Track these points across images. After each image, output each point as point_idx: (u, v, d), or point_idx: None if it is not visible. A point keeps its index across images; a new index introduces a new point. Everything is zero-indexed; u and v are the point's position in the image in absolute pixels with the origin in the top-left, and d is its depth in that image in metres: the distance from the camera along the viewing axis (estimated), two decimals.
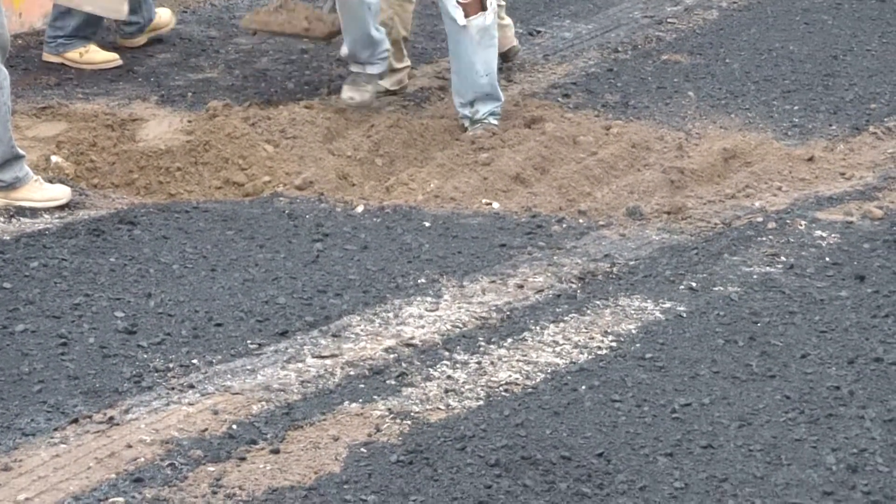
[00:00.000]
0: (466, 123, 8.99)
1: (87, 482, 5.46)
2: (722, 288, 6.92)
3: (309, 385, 6.10)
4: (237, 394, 6.03)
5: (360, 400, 5.97)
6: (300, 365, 6.25)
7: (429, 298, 6.85)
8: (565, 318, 6.66)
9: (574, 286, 6.97)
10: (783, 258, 7.21)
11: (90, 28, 9.84)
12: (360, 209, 7.90)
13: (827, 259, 7.19)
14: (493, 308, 6.76)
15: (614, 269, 7.14)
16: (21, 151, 7.87)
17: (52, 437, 5.76)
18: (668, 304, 6.78)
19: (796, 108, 9.11)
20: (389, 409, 5.89)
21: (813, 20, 10.46)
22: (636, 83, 9.59)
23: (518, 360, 6.29)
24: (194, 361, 6.31)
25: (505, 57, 9.66)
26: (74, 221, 7.71)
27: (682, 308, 6.74)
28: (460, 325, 6.60)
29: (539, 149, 8.61)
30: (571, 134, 8.80)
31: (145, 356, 6.36)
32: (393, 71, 9.49)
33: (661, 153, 8.55)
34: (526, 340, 6.47)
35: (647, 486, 5.42)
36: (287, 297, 6.86)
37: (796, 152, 8.52)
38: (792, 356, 6.32)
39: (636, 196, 8.02)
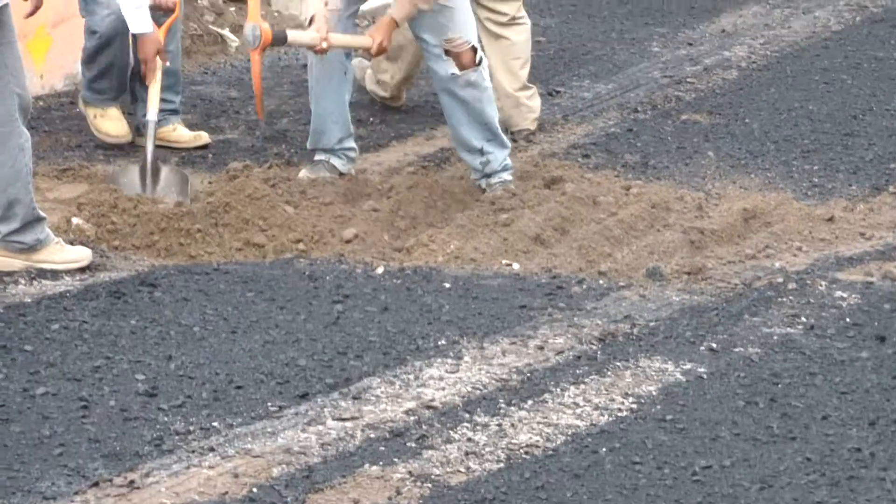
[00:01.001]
0: (479, 180, 9.01)
1: None
2: (742, 349, 6.91)
3: (329, 448, 6.09)
4: (257, 457, 6.03)
5: (381, 463, 5.95)
6: (320, 427, 6.24)
7: (449, 360, 6.84)
8: (585, 380, 6.64)
9: (594, 347, 6.96)
10: (803, 319, 7.20)
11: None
12: (380, 270, 7.90)
13: (847, 320, 7.18)
14: (514, 370, 6.74)
15: (634, 331, 7.13)
16: (42, 214, 7.88)
17: (72, 501, 5.75)
18: (688, 366, 6.77)
19: (816, 167, 9.12)
20: (410, 472, 5.87)
21: (832, 80, 10.48)
22: (656, 143, 9.62)
23: (538, 423, 6.28)
24: (215, 424, 6.30)
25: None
26: (95, 283, 7.72)
27: (702, 369, 6.73)
28: (480, 387, 6.58)
29: (559, 209, 8.62)
30: (591, 194, 8.81)
31: (166, 419, 6.36)
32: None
33: (681, 213, 8.56)
34: (546, 402, 6.45)
35: None
36: (307, 359, 6.86)
37: (816, 212, 8.52)
38: (813, 418, 6.31)
39: (656, 257, 8.02)
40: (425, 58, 9.23)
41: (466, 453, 6.03)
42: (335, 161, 8.97)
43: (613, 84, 10.18)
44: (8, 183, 7.71)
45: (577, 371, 6.73)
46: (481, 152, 8.95)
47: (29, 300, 7.54)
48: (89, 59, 9.50)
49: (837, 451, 6.04)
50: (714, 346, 6.94)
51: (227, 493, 5.76)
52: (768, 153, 9.36)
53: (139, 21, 8.85)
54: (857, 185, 8.88)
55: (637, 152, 9.45)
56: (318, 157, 9.07)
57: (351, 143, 9.08)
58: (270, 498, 5.72)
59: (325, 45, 8.71)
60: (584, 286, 7.67)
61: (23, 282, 7.72)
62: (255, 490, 5.79)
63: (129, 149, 9.59)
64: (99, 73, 9.52)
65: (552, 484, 5.81)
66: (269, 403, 6.46)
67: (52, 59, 10.40)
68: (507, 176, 8.98)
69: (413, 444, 6.09)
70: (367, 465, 5.93)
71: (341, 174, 8.97)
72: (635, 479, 5.84)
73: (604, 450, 6.06)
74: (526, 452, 6.05)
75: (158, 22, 9.24)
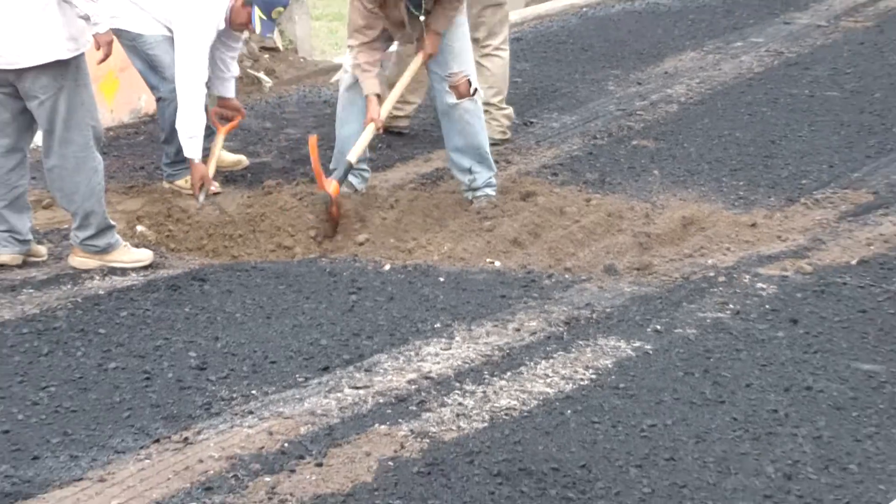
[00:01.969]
0: (466, 193, 8.98)
1: (166, 490, 5.47)
2: (681, 330, 6.91)
3: (346, 411, 6.10)
4: (288, 418, 6.03)
5: (388, 423, 5.96)
6: (339, 394, 6.25)
7: (443, 340, 6.85)
8: (554, 356, 6.64)
9: (561, 329, 6.96)
10: (731, 306, 7.19)
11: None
12: (387, 267, 7.90)
13: (767, 306, 7.18)
14: (496, 347, 6.75)
15: (594, 315, 7.13)
16: (112, 222, 7.90)
17: (138, 454, 5.77)
18: (637, 344, 6.77)
19: (741, 183, 9.11)
20: (411, 430, 5.88)
21: (754, 112, 10.48)
22: (611, 164, 9.59)
23: (516, 390, 6.28)
24: (253, 392, 6.32)
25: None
26: (155, 279, 7.74)
27: (648, 346, 6.73)
28: (469, 362, 6.58)
29: (532, 217, 8.63)
30: (559, 205, 8.82)
31: (213, 388, 6.37)
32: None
33: (632, 221, 8.55)
34: (522, 373, 6.45)
35: (620, 491, 5.42)
36: (328, 339, 6.87)
37: (741, 219, 8.51)
38: (738, 385, 6.32)
39: (611, 256, 8.02)
40: (431, 85, 9.18)
41: (457, 415, 6.04)
42: (352, 179, 8.92)
43: (577, 116, 10.19)
44: (84, 198, 7.73)
45: (547, 348, 6.74)
46: (470, 171, 8.93)
47: (102, 292, 7.56)
48: (169, 135, 9.09)
49: (758, 412, 6.06)
50: (658, 327, 6.95)
51: (263, 447, 5.78)
52: (703, 172, 9.35)
53: (191, 149, 8.78)
54: (775, 197, 8.87)
55: (596, 171, 9.44)
56: (336, 177, 8.92)
57: (365, 165, 9.05)
58: (298, 452, 5.73)
59: (379, 125, 8.70)
60: (553, 279, 7.68)
61: (97, 278, 7.74)
62: (286, 445, 5.80)
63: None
64: (178, 148, 9.03)
65: (527, 439, 5.82)
66: (297, 375, 6.48)
67: (120, 97, 10.40)
68: (490, 191, 8.95)
69: (414, 408, 6.11)
70: (376, 425, 5.94)
71: (356, 190, 8.97)
72: (594, 435, 5.86)
73: (569, 412, 6.07)
74: (506, 414, 6.05)
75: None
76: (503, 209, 8.77)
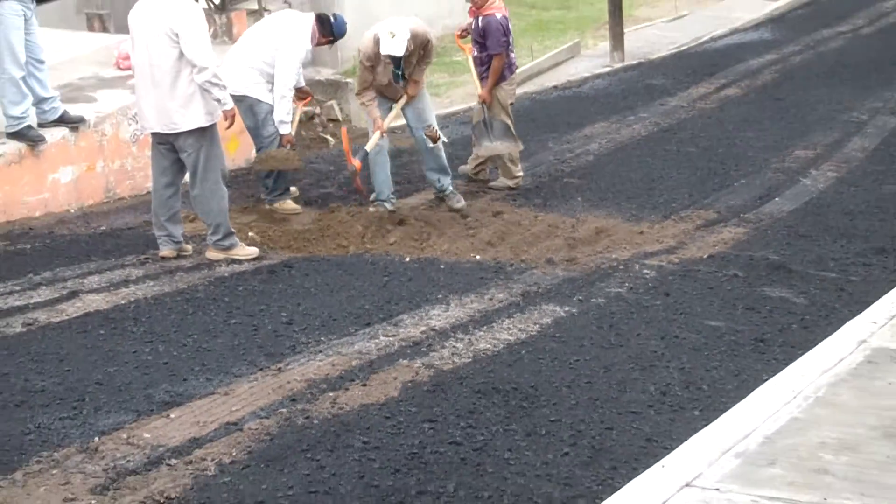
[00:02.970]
0: (437, 193, 9.17)
1: (267, 401, 5.49)
2: (595, 300, 6.93)
3: (381, 351, 6.12)
4: (344, 356, 6.05)
5: (407, 359, 5.99)
6: (377, 341, 6.27)
7: (443, 306, 6.86)
8: (514, 316, 6.66)
9: (518, 299, 6.98)
10: (626, 284, 7.21)
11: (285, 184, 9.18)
12: (408, 259, 7.92)
13: (649, 285, 7.20)
14: (477, 311, 6.76)
15: (539, 290, 7.14)
16: (233, 229, 7.94)
17: (249, 378, 5.80)
18: (567, 308, 6.78)
19: (633, 206, 9.12)
20: (423, 364, 5.91)
21: (642, 161, 10.46)
22: (550, 193, 9.57)
23: (490, 338, 6.29)
24: (322, 339, 6.34)
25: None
26: (260, 266, 7.75)
27: (574, 310, 6.75)
28: (459, 320, 6.60)
29: (500, 227, 8.64)
30: (517, 220, 8.82)
31: (297, 336, 6.39)
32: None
33: (564, 230, 8.55)
34: (493, 327, 6.47)
35: (556, 402, 5.44)
36: (370, 305, 6.88)
37: (634, 229, 8.51)
38: (631, 335, 6.33)
39: (550, 252, 8.03)
40: (410, 132, 9.31)
41: (452, 353, 6.06)
42: (386, 204, 8.96)
43: (528, 163, 10.15)
44: (216, 215, 7.77)
45: (510, 311, 6.76)
46: (439, 180, 9.16)
47: (226, 274, 7.58)
48: (268, 172, 9.01)
49: (644, 352, 6.07)
50: (580, 298, 6.96)
51: (328, 374, 5.80)
52: (609, 199, 9.34)
53: (284, 127, 8.79)
54: (655, 215, 8.87)
55: (540, 198, 9.42)
56: (377, 202, 9.03)
57: (392, 194, 9.08)
58: (350, 376, 5.75)
59: (384, 131, 8.94)
60: (513, 267, 7.68)
61: (223, 265, 7.76)
62: (343, 372, 5.83)
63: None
64: (275, 180, 9.02)
65: (497, 369, 5.84)
66: (349, 328, 6.50)
67: (239, 151, 10.41)
68: (450, 188, 9.18)
69: (424, 349, 6.13)
70: (400, 360, 5.97)
71: (391, 210, 8.94)
72: (539, 367, 5.88)
73: (523, 352, 6.09)
74: (483, 353, 6.08)
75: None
76: (482, 222, 8.78)
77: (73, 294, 7.04)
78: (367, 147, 8.90)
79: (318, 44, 9.14)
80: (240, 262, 7.79)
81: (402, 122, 9.46)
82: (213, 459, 4.92)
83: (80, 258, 7.80)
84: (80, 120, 9.04)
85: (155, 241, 7.88)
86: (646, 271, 7.47)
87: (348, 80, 12.18)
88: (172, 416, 5.36)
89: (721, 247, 8.01)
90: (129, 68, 9.12)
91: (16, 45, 8.37)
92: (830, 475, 3.89)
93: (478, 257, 8.02)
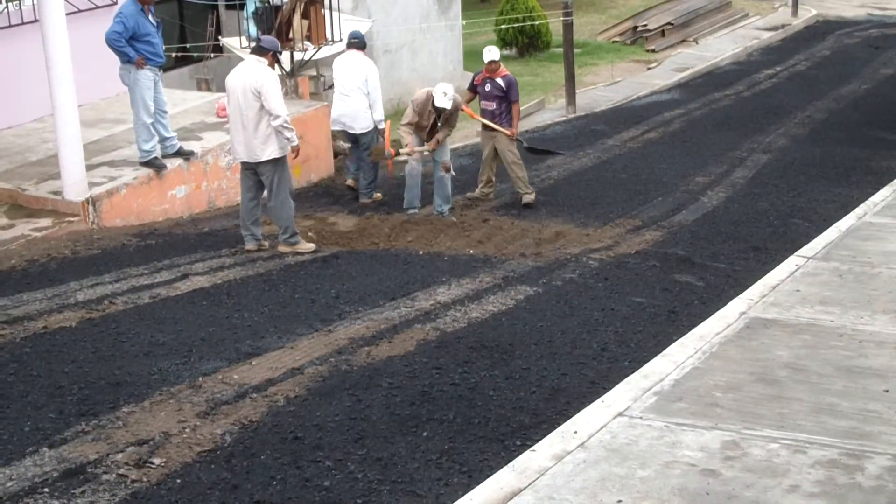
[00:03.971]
0: (437, 214, 8.98)
1: (321, 353, 5.45)
2: (555, 283, 6.88)
3: (402, 318, 6.06)
4: (375, 321, 6.00)
5: (421, 323, 5.94)
6: (399, 310, 6.21)
7: (446, 286, 6.80)
8: (496, 293, 6.61)
9: (500, 281, 6.92)
10: (577, 271, 7.17)
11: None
12: (421, 253, 7.86)
13: (594, 272, 7.16)
14: (470, 289, 6.71)
15: (515, 275, 7.09)
16: (297, 230, 7.87)
17: (308, 336, 5.75)
18: (535, 288, 6.74)
19: (582, 216, 9.07)
20: (432, 327, 5.86)
21: (588, 185, 10.38)
22: (524, 207, 9.54)
23: (480, 310, 6.25)
24: (359, 309, 6.28)
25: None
26: (316, 257, 7.67)
27: (540, 290, 6.70)
28: (458, 296, 6.55)
29: (488, 230, 8.57)
30: (499, 225, 8.75)
31: (342, 307, 6.34)
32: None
33: (533, 233, 8.49)
34: (482, 302, 6.42)
35: (526, 355, 5.41)
36: (394, 285, 6.82)
37: (583, 232, 8.47)
38: (581, 308, 6.28)
39: (523, 248, 7.99)
40: (434, 161, 9.12)
41: (452, 320, 6.02)
42: (413, 211, 8.89)
43: (507, 185, 10.07)
44: (286, 220, 7.71)
45: (494, 290, 6.71)
46: (441, 205, 9.01)
47: (292, 262, 7.51)
48: (366, 174, 9.29)
49: (589, 320, 6.03)
50: (544, 281, 6.92)
51: (363, 334, 5.75)
52: (565, 211, 9.27)
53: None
54: (598, 222, 8.83)
55: (516, 210, 9.33)
56: (409, 211, 8.94)
57: (417, 206, 9.01)
58: (380, 336, 5.71)
59: (412, 151, 8.91)
60: (497, 259, 7.63)
61: (289, 256, 7.68)
62: (375, 332, 5.78)
63: (328, 203, 9.42)
64: (368, 179, 9.28)
65: (484, 332, 5.79)
66: (379, 301, 6.44)
67: (301, 175, 10.30)
68: (447, 213, 9.01)
69: (433, 317, 6.08)
70: (415, 325, 5.92)
71: (411, 214, 8.91)
72: (515, 329, 5.83)
73: (503, 319, 6.05)
74: (475, 320, 6.03)
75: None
76: (474, 226, 8.69)
77: (185, 276, 7.00)
78: (403, 151, 8.93)
79: None
80: (302, 254, 7.71)
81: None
82: (282, 394, 4.89)
83: (189, 250, 7.76)
84: (191, 153, 9.03)
85: (242, 238, 7.80)
86: (591, 262, 7.42)
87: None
88: (254, 363, 5.32)
89: (644, 245, 7.97)
90: (225, 116, 9.08)
91: (147, 100, 8.40)
92: (720, 407, 3.86)
93: (471, 252, 7.96)
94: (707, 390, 4.02)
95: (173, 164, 8.86)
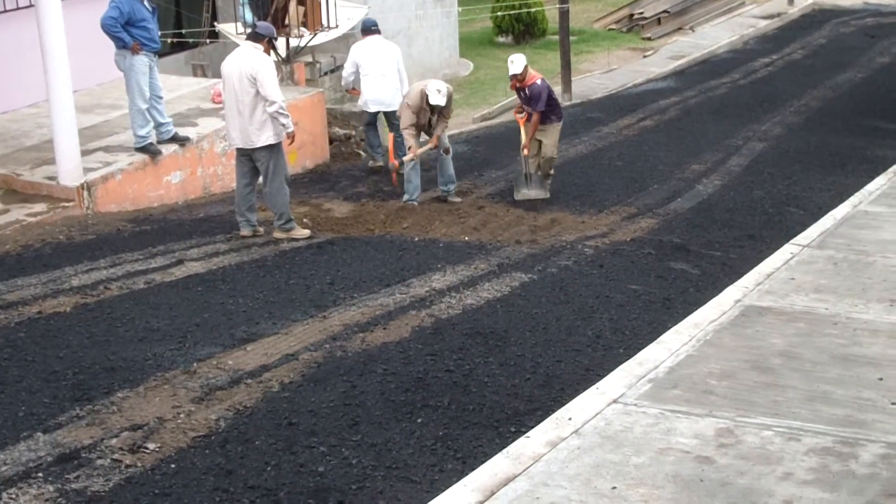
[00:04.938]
0: (442, 194, 8.98)
1: (315, 340, 5.43)
2: (550, 269, 6.87)
3: (398, 304, 6.05)
4: (370, 307, 5.98)
5: (415, 310, 5.93)
6: (394, 297, 6.20)
7: (441, 273, 6.78)
8: (491, 280, 6.59)
9: (495, 268, 6.91)
10: (572, 259, 7.16)
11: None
12: (417, 239, 7.84)
13: (589, 259, 7.15)
14: (465, 276, 6.70)
15: (510, 262, 7.07)
16: (292, 216, 7.83)
17: (302, 322, 5.73)
18: (530, 275, 6.72)
19: (577, 203, 9.05)
20: (427, 314, 5.85)
21: (584, 172, 10.34)
22: (517, 201, 9.52)
23: (475, 296, 6.24)
24: (354, 295, 6.26)
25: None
26: (311, 243, 7.65)
27: (535, 276, 6.69)
28: (453, 283, 6.53)
29: (483, 217, 8.53)
30: (495, 212, 8.71)
31: (336, 292, 6.32)
32: None
33: (529, 220, 8.47)
34: (477, 288, 6.40)
35: (521, 342, 5.40)
36: (389, 272, 6.80)
37: (578, 219, 8.45)
38: (576, 295, 6.28)
39: (518, 235, 7.97)
40: (440, 147, 9.00)
41: (447, 307, 6.01)
42: (412, 203, 8.82)
43: (501, 173, 10.03)
44: (281, 206, 7.68)
45: (489, 277, 6.69)
46: (446, 185, 9.00)
47: (287, 248, 7.48)
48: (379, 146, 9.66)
49: (584, 307, 6.02)
50: (539, 268, 6.90)
51: (358, 320, 5.74)
52: (560, 198, 9.23)
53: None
54: (594, 209, 8.80)
55: (512, 197, 9.34)
56: (409, 201, 8.86)
57: (419, 198, 8.94)
58: (375, 322, 5.70)
59: (414, 156, 8.79)
60: (492, 246, 7.61)
61: (284, 242, 7.65)
62: (370, 318, 5.76)
63: (324, 189, 9.39)
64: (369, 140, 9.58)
65: (479, 318, 5.79)
66: (374, 287, 6.42)
67: (296, 162, 10.23)
68: (452, 192, 9.02)
69: (428, 303, 6.07)
70: (411, 311, 5.91)
71: (408, 202, 8.86)
72: (510, 316, 5.83)
73: (498, 305, 6.04)
74: (470, 307, 6.02)
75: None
76: (469, 213, 8.65)
77: (180, 261, 6.97)
78: (405, 159, 8.82)
79: None
80: (297, 240, 7.68)
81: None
82: (277, 380, 4.87)
83: (184, 236, 7.72)
84: (186, 139, 8.98)
85: (237, 224, 7.77)
86: (586, 249, 7.40)
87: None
88: (248, 348, 5.31)
89: (639, 232, 7.95)
90: (220, 103, 9.03)
91: (143, 86, 8.38)
92: (715, 395, 3.85)
93: (466, 238, 7.92)
94: (701, 378, 4.00)
95: (168, 149, 8.81)
